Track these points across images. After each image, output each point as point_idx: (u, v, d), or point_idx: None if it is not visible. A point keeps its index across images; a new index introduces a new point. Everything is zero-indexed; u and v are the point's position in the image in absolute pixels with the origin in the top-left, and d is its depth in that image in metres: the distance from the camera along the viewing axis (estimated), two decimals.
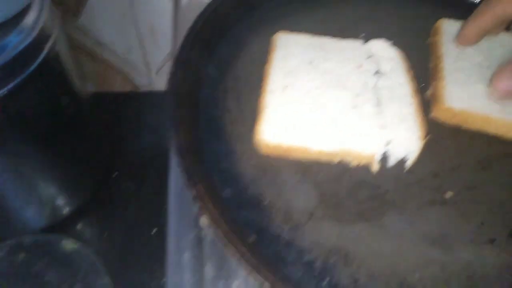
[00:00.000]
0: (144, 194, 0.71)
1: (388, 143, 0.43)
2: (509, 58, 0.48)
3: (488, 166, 0.44)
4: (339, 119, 0.43)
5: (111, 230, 0.71)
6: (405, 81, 0.47)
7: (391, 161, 0.43)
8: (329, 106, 0.44)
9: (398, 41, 0.52)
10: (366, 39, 0.52)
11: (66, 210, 0.65)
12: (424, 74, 0.50)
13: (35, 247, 0.58)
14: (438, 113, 0.46)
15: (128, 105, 0.84)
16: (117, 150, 0.75)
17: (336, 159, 0.43)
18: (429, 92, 0.49)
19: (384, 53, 0.50)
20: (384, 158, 0.43)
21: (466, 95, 0.46)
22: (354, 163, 0.43)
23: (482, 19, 0.48)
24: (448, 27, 0.53)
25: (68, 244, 0.61)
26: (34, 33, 0.40)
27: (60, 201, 0.64)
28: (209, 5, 0.51)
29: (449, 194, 0.42)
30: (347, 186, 0.42)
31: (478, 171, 0.44)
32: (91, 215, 0.71)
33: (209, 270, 0.42)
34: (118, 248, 0.66)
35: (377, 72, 0.49)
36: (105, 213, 0.72)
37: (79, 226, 0.69)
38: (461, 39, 0.50)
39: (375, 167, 0.42)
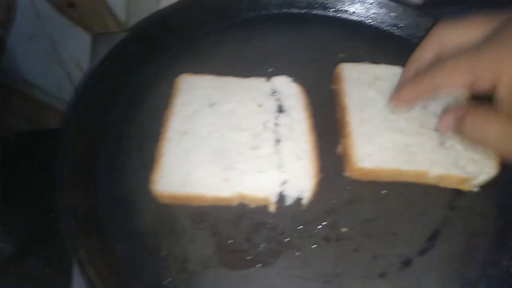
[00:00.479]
0: None
1: (284, 183, 0.44)
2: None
3: (384, 198, 0.46)
4: (236, 163, 0.44)
5: (53, 268, 0.71)
6: (303, 118, 0.49)
7: (288, 201, 0.44)
8: (227, 149, 0.45)
9: (302, 76, 0.53)
10: (274, 74, 0.53)
11: (6, 252, 0.66)
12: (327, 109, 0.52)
13: None
14: (351, 173, 0.47)
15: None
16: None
17: (234, 203, 0.44)
18: (339, 149, 0.49)
19: (285, 89, 0.51)
20: (281, 198, 0.44)
21: (375, 151, 0.46)
22: (252, 205, 0.44)
23: (420, 87, 0.45)
24: (349, 72, 0.53)
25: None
26: None
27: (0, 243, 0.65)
28: (111, 50, 0.51)
29: (344, 230, 0.44)
30: (244, 230, 0.43)
31: (373, 204, 0.46)
32: (32, 254, 0.71)
33: None
34: (60, 285, 0.66)
35: (278, 110, 0.50)
36: (46, 251, 0.72)
37: (21, 265, 0.69)
38: (395, 102, 0.49)
39: (272, 207, 0.43)
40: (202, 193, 0.42)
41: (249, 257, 0.41)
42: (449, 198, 0.47)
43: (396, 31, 0.62)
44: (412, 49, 0.57)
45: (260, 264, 0.41)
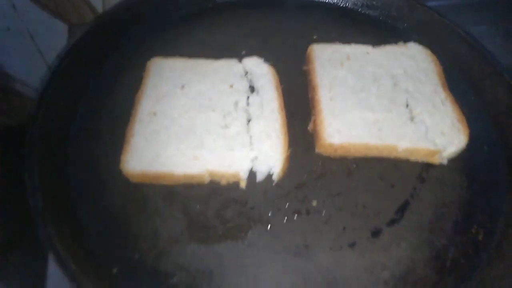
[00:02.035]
0: None
1: (254, 160, 0.44)
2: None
3: (354, 172, 0.47)
4: (206, 142, 0.45)
5: (33, 270, 0.71)
6: (274, 97, 0.49)
7: (259, 177, 0.45)
8: (197, 129, 0.46)
9: (275, 58, 0.54)
10: (247, 56, 0.54)
11: None
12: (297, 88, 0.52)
13: None
14: (321, 149, 0.47)
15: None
16: None
17: (205, 181, 0.44)
18: (310, 127, 0.49)
19: (256, 70, 0.51)
20: (252, 175, 0.45)
21: (344, 127, 0.47)
22: (223, 182, 0.44)
23: None
24: (320, 52, 0.54)
25: None
26: None
27: None
28: (83, 35, 0.52)
29: (314, 203, 0.44)
30: (215, 207, 0.43)
31: (343, 178, 0.46)
32: (19, 248, 0.71)
33: None
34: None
35: (249, 90, 0.50)
36: (28, 252, 0.72)
37: (8, 258, 0.69)
38: None
39: (243, 184, 0.44)
40: (172, 171, 0.43)
41: (220, 232, 0.42)
42: (419, 171, 0.47)
43: (370, 12, 0.62)
44: (386, 29, 0.58)
45: (231, 239, 0.41)
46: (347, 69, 0.52)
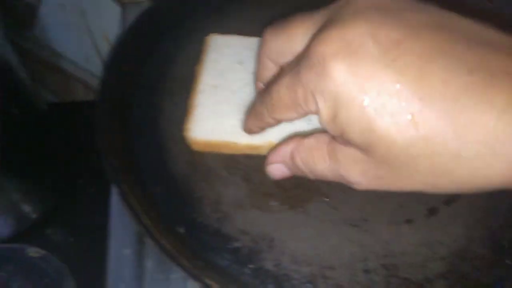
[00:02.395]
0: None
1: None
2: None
3: None
4: None
5: (77, 236, 0.73)
6: None
7: None
8: None
9: None
10: None
11: (30, 218, 0.67)
12: None
13: None
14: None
15: (91, 112, 0.87)
16: (82, 158, 0.77)
17: (264, 152, 0.45)
18: None
19: None
20: None
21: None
22: None
23: (259, 122, 0.39)
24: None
25: (33, 252, 0.62)
26: None
27: (24, 209, 0.66)
28: (143, 13, 0.53)
29: None
30: None
31: None
32: (57, 222, 0.73)
33: (149, 263, 0.44)
34: (84, 254, 0.68)
35: None
36: (71, 219, 0.74)
37: (45, 233, 0.70)
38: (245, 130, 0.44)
39: None
40: (234, 141, 0.44)
41: (280, 202, 0.43)
42: None
43: None
44: None
45: (290, 209, 0.42)
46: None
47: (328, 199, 0.43)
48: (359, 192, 0.44)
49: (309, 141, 0.34)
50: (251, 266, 0.39)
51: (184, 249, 0.38)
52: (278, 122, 0.36)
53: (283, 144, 0.37)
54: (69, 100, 0.87)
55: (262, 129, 0.39)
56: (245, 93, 0.48)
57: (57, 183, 0.75)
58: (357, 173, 0.32)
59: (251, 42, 0.53)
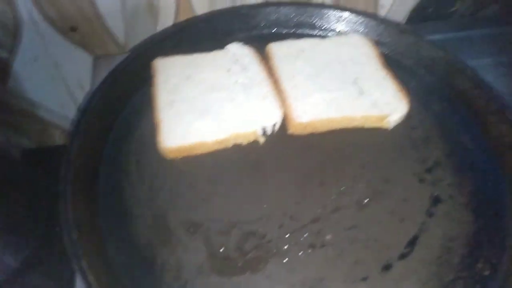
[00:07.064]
0: None
1: (262, 117, 0.54)
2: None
3: (366, 206, 0.49)
4: (222, 114, 0.54)
5: (57, 281, 0.73)
6: (261, 70, 0.60)
7: (269, 131, 0.55)
8: (212, 106, 0.55)
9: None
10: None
11: (11, 267, 0.68)
12: None
13: None
14: (292, 129, 0.55)
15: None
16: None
17: (229, 144, 0.53)
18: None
19: (241, 51, 0.62)
20: (264, 131, 0.55)
21: (309, 107, 0.56)
22: (244, 142, 0.54)
23: None
24: (277, 50, 0.63)
25: None
26: None
27: (4, 260, 0.67)
28: (112, 70, 0.56)
29: (328, 237, 0.47)
30: (235, 239, 0.46)
31: (356, 211, 0.49)
32: (36, 270, 0.73)
33: None
34: None
35: (243, 69, 0.59)
36: (51, 265, 0.74)
37: (25, 281, 0.71)
38: None
39: (261, 140, 0.54)
40: (202, 141, 0.51)
41: (240, 264, 0.44)
42: (427, 206, 0.50)
43: (380, 48, 0.66)
44: (394, 65, 0.62)
45: (250, 271, 0.44)
46: (304, 60, 0.62)
47: (286, 259, 0.45)
48: (315, 250, 0.46)
49: None
50: None
51: None
52: None
53: None
54: (46, 145, 0.89)
55: None
56: (201, 101, 0.55)
57: (36, 231, 0.76)
58: None
59: (194, 58, 0.60)
